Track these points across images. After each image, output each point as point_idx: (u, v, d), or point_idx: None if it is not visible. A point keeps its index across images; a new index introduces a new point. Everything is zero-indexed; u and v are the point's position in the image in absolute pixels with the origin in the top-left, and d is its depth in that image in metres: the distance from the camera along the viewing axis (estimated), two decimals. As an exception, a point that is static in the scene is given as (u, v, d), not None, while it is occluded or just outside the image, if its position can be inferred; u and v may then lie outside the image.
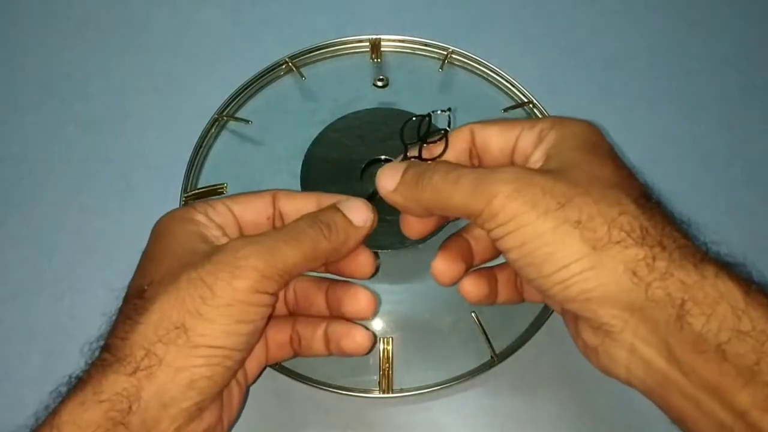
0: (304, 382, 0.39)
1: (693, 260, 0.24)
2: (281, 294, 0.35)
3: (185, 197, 0.45)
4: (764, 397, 0.22)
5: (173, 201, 0.45)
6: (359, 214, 0.30)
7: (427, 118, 0.32)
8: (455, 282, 0.34)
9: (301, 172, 0.44)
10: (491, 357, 0.40)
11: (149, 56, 0.54)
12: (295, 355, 0.35)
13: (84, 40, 0.55)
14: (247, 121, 0.49)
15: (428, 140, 0.32)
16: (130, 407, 0.26)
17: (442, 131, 0.32)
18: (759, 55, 0.54)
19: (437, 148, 0.32)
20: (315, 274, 0.35)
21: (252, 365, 0.34)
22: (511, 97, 0.50)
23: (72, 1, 0.57)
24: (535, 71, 0.52)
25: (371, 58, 0.52)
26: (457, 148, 0.32)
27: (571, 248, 0.25)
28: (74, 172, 0.48)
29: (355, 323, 0.34)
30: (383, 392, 0.39)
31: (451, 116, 0.33)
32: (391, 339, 0.40)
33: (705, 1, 0.56)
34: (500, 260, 0.35)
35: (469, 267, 0.34)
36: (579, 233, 0.25)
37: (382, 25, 0.54)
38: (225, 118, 0.49)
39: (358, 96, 0.48)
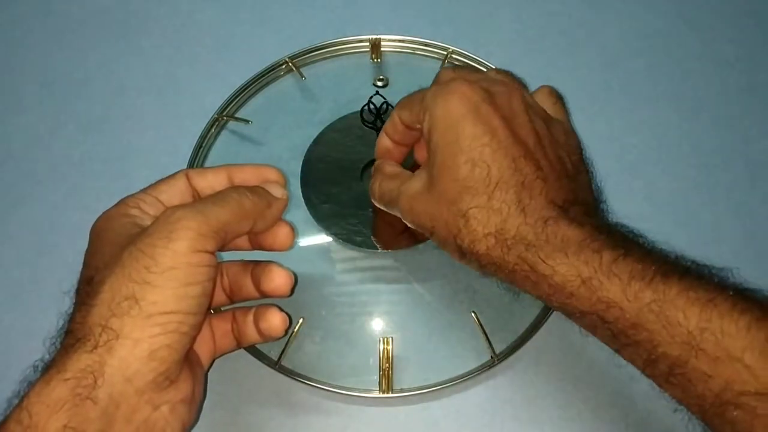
0: (304, 382, 0.39)
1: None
2: (219, 281, 0.36)
3: (185, 197, 0.45)
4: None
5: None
6: (276, 189, 0.34)
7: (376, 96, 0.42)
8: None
9: (301, 172, 0.44)
10: (491, 357, 0.40)
11: (149, 56, 0.54)
12: (238, 345, 0.36)
13: (84, 40, 0.54)
14: (247, 121, 0.49)
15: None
16: (95, 382, 0.26)
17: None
18: (759, 54, 0.54)
19: None
20: (242, 254, 0.37)
21: (203, 352, 0.35)
22: (511, 97, 0.50)
23: (72, 0, 0.57)
24: (535, 71, 0.52)
25: (371, 58, 0.52)
26: (390, 129, 0.38)
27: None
28: (74, 173, 0.48)
29: (272, 305, 0.35)
30: (383, 392, 0.39)
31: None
32: (391, 339, 0.40)
33: (705, 1, 0.56)
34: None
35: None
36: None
37: (382, 25, 0.54)
38: (225, 118, 0.49)
39: (358, 96, 0.47)
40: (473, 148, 0.30)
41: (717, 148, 0.50)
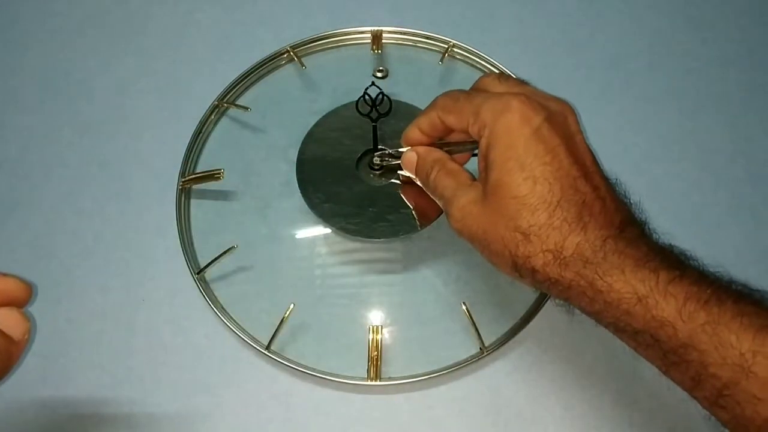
0: (293, 368, 0.39)
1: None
2: None
3: (182, 182, 0.46)
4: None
5: (170, 193, 0.45)
6: (18, 326, 0.27)
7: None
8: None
9: (297, 159, 0.45)
10: (480, 349, 0.40)
11: (149, 54, 0.53)
12: None
13: (84, 40, 0.54)
14: (246, 108, 0.49)
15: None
16: None
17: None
18: (760, 53, 0.53)
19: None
20: None
21: None
22: (511, 92, 0.50)
23: (72, 0, 0.56)
24: (536, 69, 0.52)
25: (372, 49, 0.52)
26: (426, 125, 0.37)
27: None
28: (71, 176, 0.48)
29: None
30: (371, 380, 0.39)
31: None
32: (380, 328, 0.41)
33: (705, 0, 0.56)
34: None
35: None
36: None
37: (383, 16, 0.54)
38: (225, 104, 0.49)
39: (357, 86, 0.48)
40: (534, 167, 0.31)
41: (719, 146, 0.49)
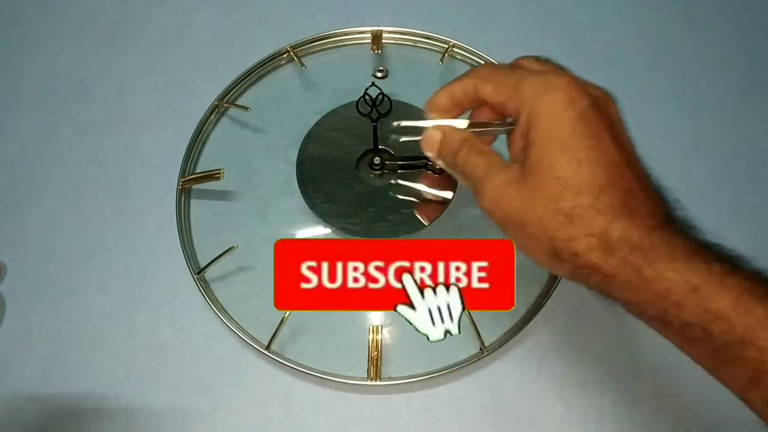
0: (293, 368, 0.39)
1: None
2: None
3: (182, 182, 0.46)
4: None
5: (170, 193, 0.45)
6: None
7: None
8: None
9: (298, 160, 0.45)
10: (480, 349, 0.40)
11: (149, 54, 0.53)
12: None
13: (84, 40, 0.54)
14: (247, 108, 0.49)
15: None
16: None
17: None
18: (759, 54, 0.53)
19: None
20: None
21: None
22: (511, 92, 0.50)
23: (72, 1, 0.56)
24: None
25: (372, 49, 0.52)
26: (459, 91, 0.34)
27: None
28: (71, 176, 0.48)
29: None
30: (371, 380, 0.39)
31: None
32: (380, 328, 0.41)
33: (705, 0, 0.56)
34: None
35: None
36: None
37: (384, 16, 0.54)
38: (225, 104, 0.49)
39: (357, 86, 0.48)
40: (579, 149, 0.29)
41: (719, 146, 0.49)
